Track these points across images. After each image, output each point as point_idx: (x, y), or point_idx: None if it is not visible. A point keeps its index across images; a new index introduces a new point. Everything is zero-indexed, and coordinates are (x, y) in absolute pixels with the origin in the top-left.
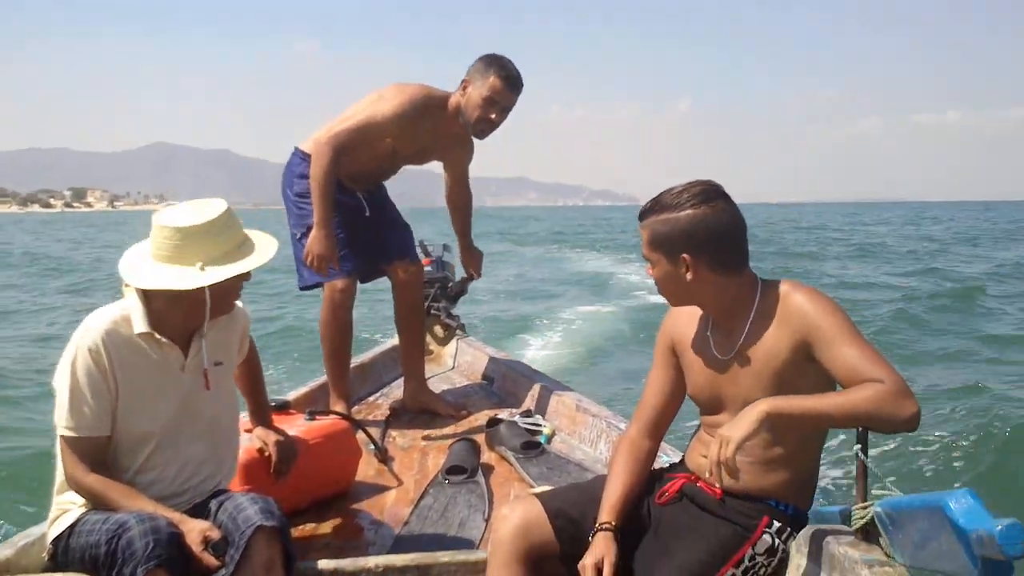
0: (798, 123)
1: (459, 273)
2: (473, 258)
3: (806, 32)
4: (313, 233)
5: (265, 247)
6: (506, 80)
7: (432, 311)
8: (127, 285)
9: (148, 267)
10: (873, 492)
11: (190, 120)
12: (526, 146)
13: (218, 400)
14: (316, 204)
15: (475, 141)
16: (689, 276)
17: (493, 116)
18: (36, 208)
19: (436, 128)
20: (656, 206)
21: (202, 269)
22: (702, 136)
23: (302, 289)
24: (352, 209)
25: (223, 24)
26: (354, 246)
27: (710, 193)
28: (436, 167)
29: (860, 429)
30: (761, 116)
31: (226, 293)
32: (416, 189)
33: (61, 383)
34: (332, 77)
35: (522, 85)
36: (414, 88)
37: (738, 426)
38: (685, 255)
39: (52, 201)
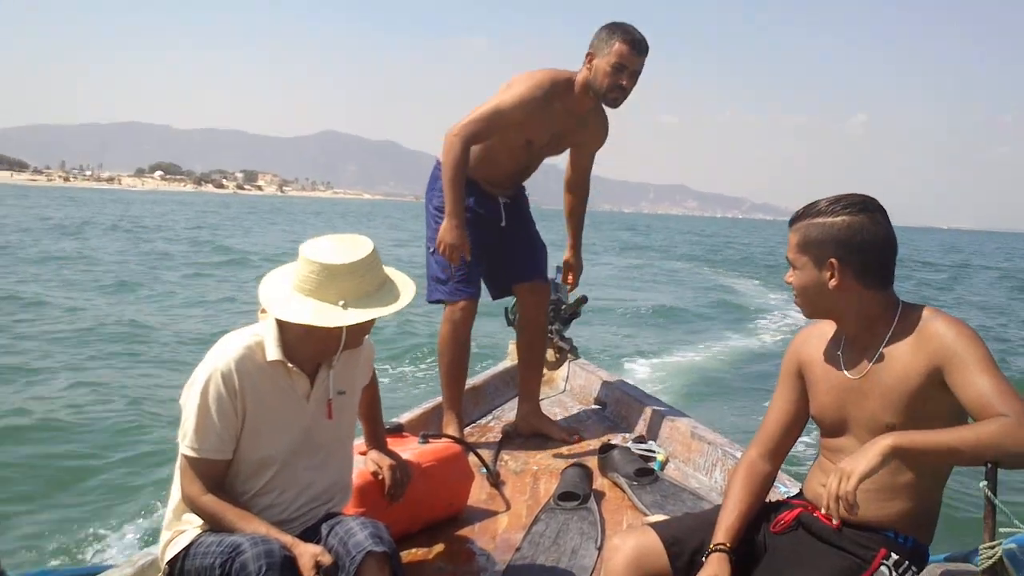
0: (980, 147)
1: (573, 295)
2: (577, 263)
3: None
4: (444, 223)
5: (405, 290)
6: (631, 44)
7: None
8: (263, 311)
9: (290, 298)
10: (1001, 531)
11: (360, 112)
12: (688, 153)
13: (339, 429)
14: (447, 194)
15: (608, 124)
16: (833, 283)
17: (624, 82)
18: (210, 188)
19: (567, 109)
20: (811, 210)
21: (344, 308)
22: (876, 155)
23: (429, 302)
24: (488, 221)
25: (397, 23)
26: (483, 265)
27: (868, 204)
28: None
29: (988, 465)
30: (940, 137)
31: (361, 331)
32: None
33: (190, 403)
34: (497, 72)
35: (647, 48)
36: (541, 73)
37: (861, 460)
38: (833, 260)
39: (225, 182)
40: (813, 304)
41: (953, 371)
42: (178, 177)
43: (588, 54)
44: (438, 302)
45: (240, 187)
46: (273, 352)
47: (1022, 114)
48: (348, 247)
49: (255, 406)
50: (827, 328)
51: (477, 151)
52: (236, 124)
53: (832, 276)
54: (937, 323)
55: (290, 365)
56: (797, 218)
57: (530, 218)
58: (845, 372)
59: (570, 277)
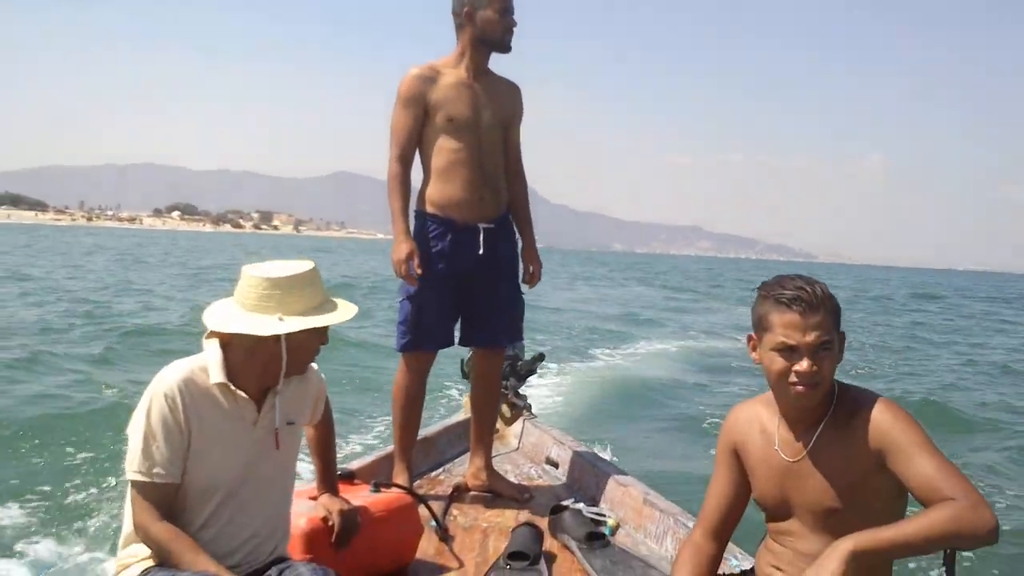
0: (993, 186)
1: (529, 352)
2: (536, 262)
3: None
4: (394, 243)
5: (344, 309)
6: None
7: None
8: (207, 337)
9: (229, 312)
10: None
11: (375, 152)
12: (701, 193)
13: (284, 461)
14: (393, 217)
15: (519, 89)
16: (840, 357)
17: (513, 22)
18: (227, 228)
19: (459, 78)
20: (822, 289)
21: (281, 319)
22: (890, 194)
23: (397, 351)
24: (465, 256)
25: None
26: (449, 313)
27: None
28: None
29: (946, 551)
30: (955, 175)
31: (302, 352)
32: (581, 231)
33: (135, 429)
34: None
35: None
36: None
37: (824, 572)
38: (843, 330)
39: (242, 222)
40: (827, 388)
41: (895, 457)
42: (196, 217)
43: (465, 12)
44: (405, 351)
45: (257, 227)
46: (217, 375)
47: None
48: (289, 264)
49: (199, 429)
50: (760, 408)
51: (431, 177)
52: (250, 165)
53: (841, 354)
54: (874, 408)
55: (235, 389)
56: (817, 303)
57: (513, 257)
58: (782, 455)
59: (532, 278)
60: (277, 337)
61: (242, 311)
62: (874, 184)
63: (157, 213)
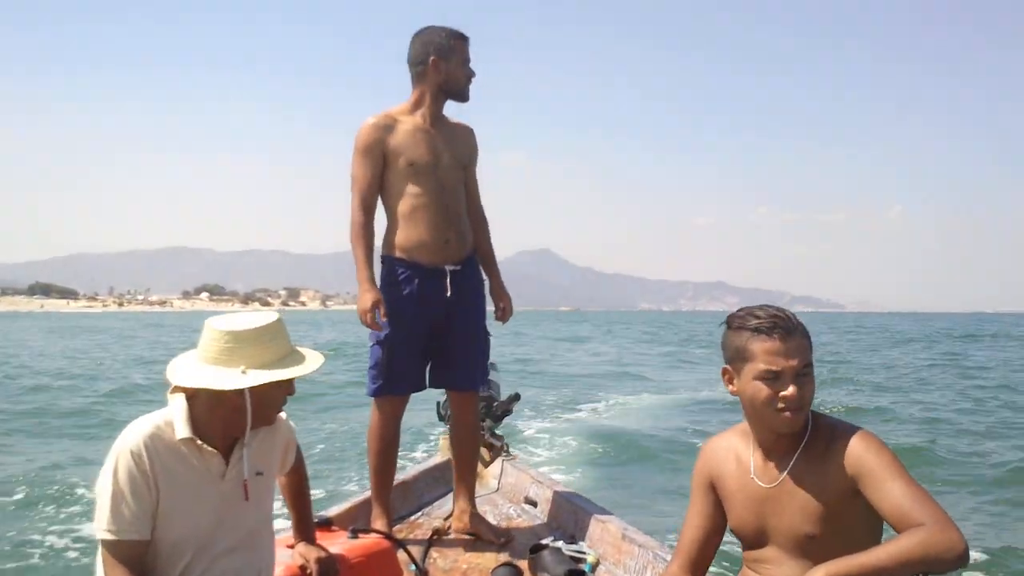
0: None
1: (504, 392)
2: (505, 299)
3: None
4: (359, 293)
5: (311, 360)
6: (466, 39)
7: None
8: (172, 392)
9: (192, 367)
10: None
11: None
12: (726, 250)
13: (257, 511)
14: (357, 266)
15: (474, 132)
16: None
17: (473, 72)
18: (256, 306)
19: (415, 124)
20: (792, 315)
21: (244, 372)
22: (913, 243)
23: (369, 396)
24: (434, 299)
25: None
26: (419, 357)
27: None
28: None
29: None
30: (977, 223)
31: (267, 403)
32: (607, 292)
33: (103, 488)
34: (536, 183)
35: None
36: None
37: None
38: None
39: (270, 299)
40: (807, 411)
41: (867, 483)
42: (224, 297)
43: (432, 60)
44: (376, 395)
45: (285, 303)
46: (182, 430)
47: None
48: (253, 317)
49: (167, 486)
50: (735, 438)
51: (396, 221)
52: (277, 244)
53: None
54: (848, 436)
55: (201, 443)
56: (793, 328)
57: (480, 299)
58: (758, 482)
59: (503, 313)
60: (241, 390)
61: (203, 364)
62: (897, 234)
63: (186, 295)
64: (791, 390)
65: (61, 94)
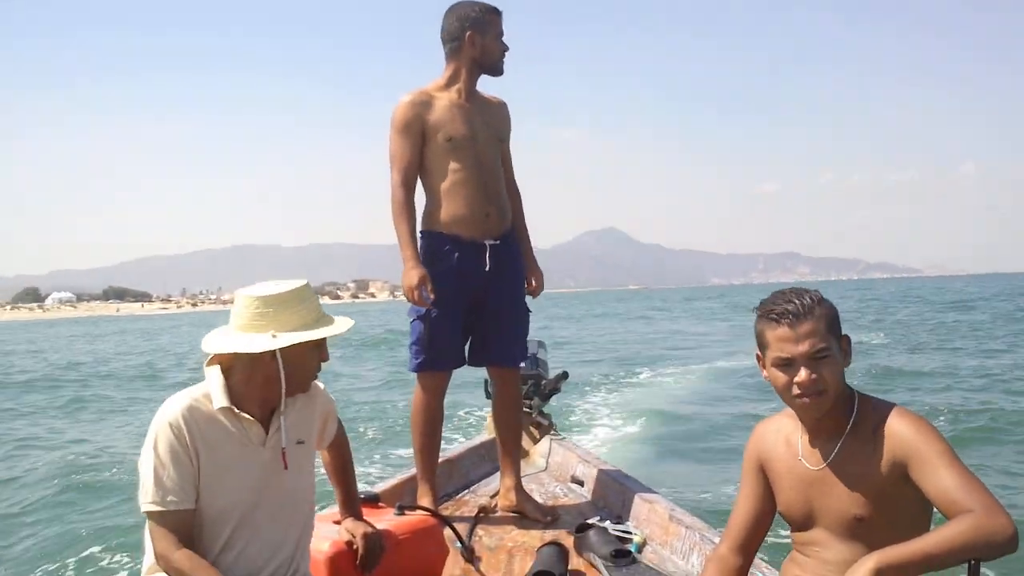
0: None
1: (552, 371)
2: (535, 271)
3: None
4: (404, 270)
5: (339, 323)
6: (499, 12)
7: (524, 409)
8: (207, 365)
9: (226, 335)
10: None
11: None
12: (797, 220)
13: (297, 480)
14: (398, 238)
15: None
16: (847, 361)
17: (507, 46)
18: (326, 299)
19: (451, 98)
20: (811, 297)
21: (273, 335)
22: (988, 202)
23: (411, 371)
24: (473, 272)
25: None
26: (461, 334)
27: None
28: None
29: (970, 563)
30: None
31: (301, 369)
32: (676, 269)
33: (145, 462)
34: (597, 160)
35: None
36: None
37: None
38: (847, 336)
39: (339, 292)
40: (835, 394)
41: (917, 467)
42: None
43: (468, 35)
44: (419, 371)
45: (355, 296)
46: (220, 399)
47: None
48: (282, 283)
49: (208, 456)
50: (784, 421)
51: (435, 197)
52: (341, 237)
53: (847, 357)
54: (897, 419)
55: (240, 412)
56: (804, 312)
57: (519, 274)
58: (806, 464)
59: (533, 285)
60: (273, 354)
61: (236, 332)
62: (970, 193)
63: None
64: (803, 375)
65: (120, 100)
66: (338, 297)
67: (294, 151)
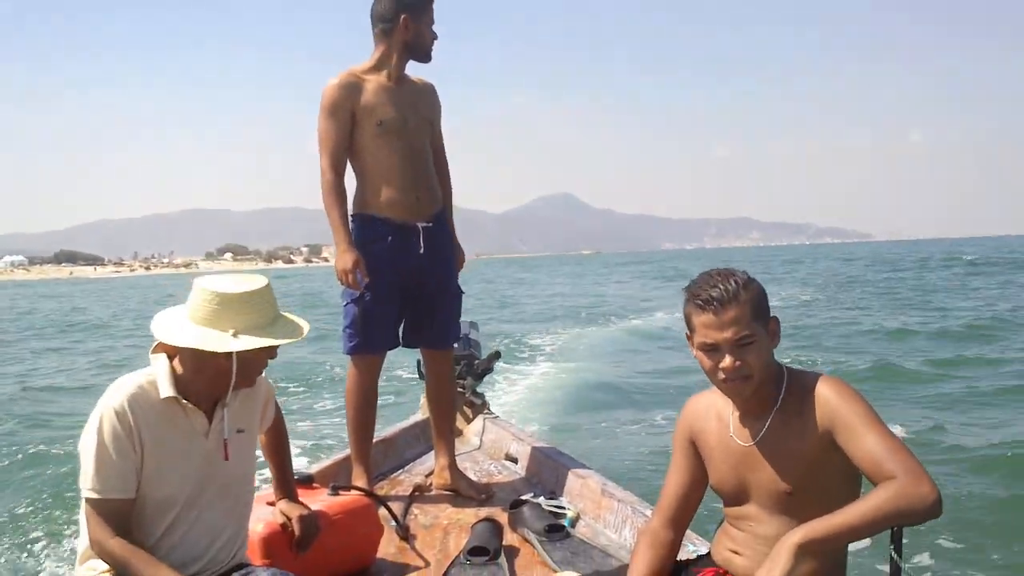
0: None
1: (485, 351)
2: (456, 250)
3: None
4: (336, 253)
5: (297, 327)
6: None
7: (458, 389)
8: (153, 351)
9: (182, 326)
10: None
11: None
12: (748, 185)
13: (238, 468)
14: (330, 222)
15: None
16: (775, 342)
17: (436, 34)
18: (279, 264)
19: (380, 82)
20: (736, 282)
21: (235, 336)
22: (936, 168)
23: (345, 354)
24: (405, 255)
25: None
26: (395, 315)
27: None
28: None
29: (893, 529)
30: (995, 147)
31: (251, 366)
32: (628, 234)
33: (86, 446)
34: (546, 124)
35: None
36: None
37: (776, 568)
38: (775, 318)
39: (292, 257)
40: (763, 378)
41: (842, 433)
42: (248, 257)
43: (404, 18)
44: (352, 353)
45: (308, 260)
46: (166, 389)
47: None
48: (243, 280)
49: (152, 444)
50: (715, 397)
51: (366, 181)
52: (293, 202)
53: (774, 336)
54: (821, 387)
55: (184, 402)
56: (729, 299)
57: (452, 256)
58: (737, 440)
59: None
60: (229, 353)
61: (193, 324)
62: (918, 161)
63: (210, 256)
64: (727, 361)
65: (69, 65)
66: (291, 262)
67: (243, 116)
